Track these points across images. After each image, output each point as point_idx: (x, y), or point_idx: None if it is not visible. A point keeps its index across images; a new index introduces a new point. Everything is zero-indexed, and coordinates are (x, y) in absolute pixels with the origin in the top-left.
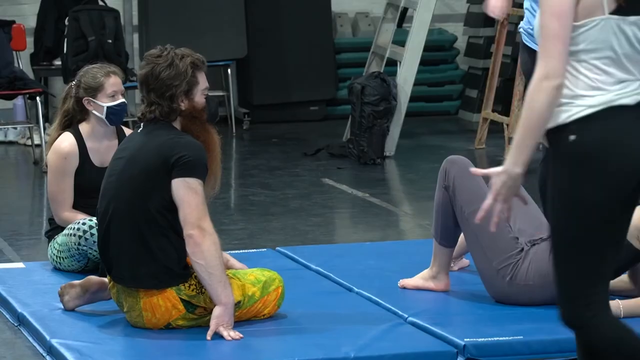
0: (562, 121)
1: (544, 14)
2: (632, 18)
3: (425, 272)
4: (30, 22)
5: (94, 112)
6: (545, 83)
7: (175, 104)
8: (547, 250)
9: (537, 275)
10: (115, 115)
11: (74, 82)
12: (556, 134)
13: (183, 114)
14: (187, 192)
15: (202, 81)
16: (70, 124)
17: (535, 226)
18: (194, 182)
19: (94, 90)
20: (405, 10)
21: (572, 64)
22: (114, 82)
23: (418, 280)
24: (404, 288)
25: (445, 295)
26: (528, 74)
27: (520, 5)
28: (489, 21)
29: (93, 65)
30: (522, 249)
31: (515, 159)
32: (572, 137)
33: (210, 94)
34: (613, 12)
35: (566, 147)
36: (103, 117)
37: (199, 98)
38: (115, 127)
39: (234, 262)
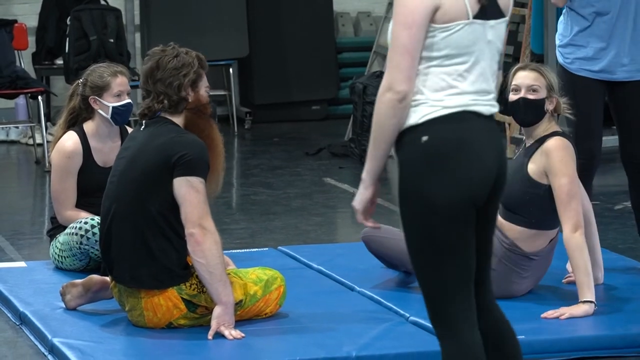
0: (414, 122)
1: (395, 24)
2: (492, 22)
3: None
4: (32, 21)
5: (99, 111)
6: (388, 95)
7: (182, 93)
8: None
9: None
10: (120, 116)
11: (80, 80)
12: (407, 136)
13: (189, 107)
14: (188, 191)
15: (205, 78)
16: (76, 121)
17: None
18: (196, 181)
19: (100, 90)
20: None
21: (432, 69)
22: (120, 82)
23: None
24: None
25: None
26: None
27: (522, 5)
28: None
29: (100, 64)
30: None
31: (365, 168)
32: (425, 138)
33: (211, 93)
34: (476, 16)
35: (417, 148)
36: (108, 116)
37: (204, 92)
38: (119, 127)
39: (233, 266)
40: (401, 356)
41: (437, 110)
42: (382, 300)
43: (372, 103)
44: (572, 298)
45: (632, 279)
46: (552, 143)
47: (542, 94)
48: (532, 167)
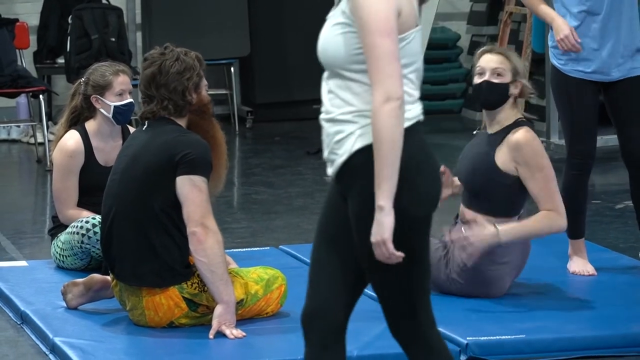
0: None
1: (371, 34)
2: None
3: None
4: (34, 20)
5: (101, 110)
6: (387, 106)
7: (187, 98)
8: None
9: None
10: (122, 115)
11: (82, 79)
12: (371, 153)
13: (192, 109)
14: (191, 190)
15: (204, 77)
16: (78, 120)
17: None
18: (199, 180)
19: (102, 89)
20: None
21: None
22: (122, 81)
23: None
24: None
25: (445, 293)
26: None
27: (524, 4)
28: (492, 19)
29: (102, 63)
30: (445, 246)
31: (381, 194)
32: None
33: (212, 92)
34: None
35: None
36: (110, 116)
37: (205, 92)
38: (120, 126)
39: (234, 265)
40: (402, 355)
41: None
42: None
43: None
44: (572, 298)
45: (633, 278)
46: (519, 136)
47: (507, 78)
48: (500, 158)
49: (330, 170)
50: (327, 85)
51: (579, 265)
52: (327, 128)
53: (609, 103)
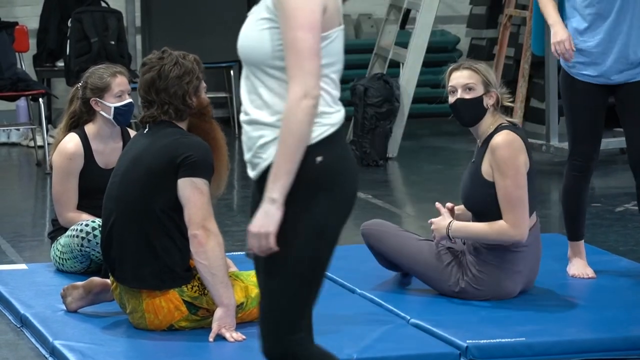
0: (308, 142)
1: (292, 29)
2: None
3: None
4: (33, 23)
5: (101, 112)
6: (304, 102)
7: (187, 101)
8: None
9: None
10: (123, 116)
11: (80, 84)
12: None
13: (192, 112)
14: (193, 192)
15: (202, 79)
16: (77, 125)
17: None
18: (200, 182)
19: (101, 91)
20: (408, 11)
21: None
22: (120, 82)
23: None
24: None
25: (447, 296)
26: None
27: (523, 7)
28: (492, 23)
29: (99, 66)
30: (455, 255)
31: (276, 187)
32: (319, 159)
33: (212, 95)
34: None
35: (310, 170)
36: (110, 117)
37: (204, 95)
38: (120, 129)
39: (234, 268)
40: (402, 358)
41: (328, 129)
42: (383, 302)
43: (373, 105)
44: (572, 301)
45: (633, 281)
46: (498, 139)
47: (479, 91)
48: (485, 168)
49: (253, 173)
50: (247, 85)
51: (579, 268)
52: (250, 131)
53: (617, 106)
